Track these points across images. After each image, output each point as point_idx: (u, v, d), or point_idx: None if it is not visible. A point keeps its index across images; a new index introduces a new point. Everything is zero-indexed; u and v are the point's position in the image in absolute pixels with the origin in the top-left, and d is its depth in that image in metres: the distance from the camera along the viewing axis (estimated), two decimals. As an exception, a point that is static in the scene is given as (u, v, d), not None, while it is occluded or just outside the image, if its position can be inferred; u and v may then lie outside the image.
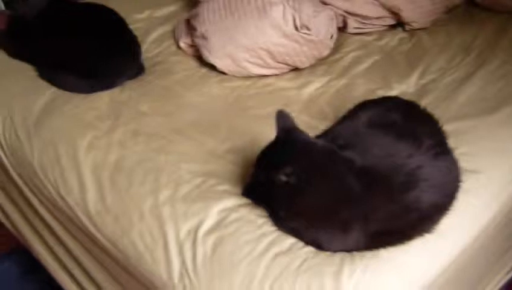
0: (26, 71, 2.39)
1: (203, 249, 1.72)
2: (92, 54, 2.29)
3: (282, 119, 1.73)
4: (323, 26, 2.36)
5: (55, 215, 2.11)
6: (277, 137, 1.73)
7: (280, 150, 1.72)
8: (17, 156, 2.16)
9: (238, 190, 1.87)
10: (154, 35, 2.61)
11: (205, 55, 2.36)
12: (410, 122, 1.85)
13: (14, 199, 2.33)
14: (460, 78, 2.33)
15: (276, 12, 2.28)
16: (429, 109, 1.98)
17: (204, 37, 2.35)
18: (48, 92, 2.29)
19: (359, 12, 2.56)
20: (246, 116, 2.17)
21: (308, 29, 2.30)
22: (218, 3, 2.39)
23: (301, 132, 1.73)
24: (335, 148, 1.71)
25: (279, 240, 1.72)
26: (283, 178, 1.62)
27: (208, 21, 2.37)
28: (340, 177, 1.66)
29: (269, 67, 2.33)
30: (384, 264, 1.66)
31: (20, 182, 2.20)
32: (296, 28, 2.28)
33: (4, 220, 2.49)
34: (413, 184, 1.67)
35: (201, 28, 2.37)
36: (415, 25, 2.61)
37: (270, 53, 2.29)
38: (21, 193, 2.23)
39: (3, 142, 2.21)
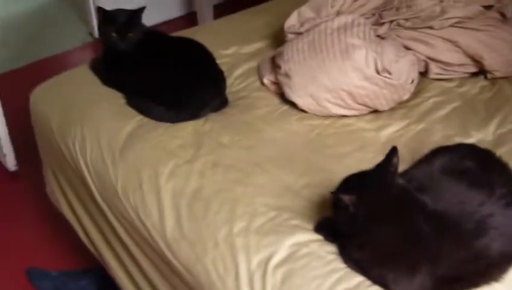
0: (116, 98, 2.50)
1: (273, 281, 1.77)
2: (179, 85, 2.39)
3: (388, 155, 1.76)
4: (404, 70, 2.39)
5: (133, 237, 2.18)
6: (369, 169, 1.79)
7: (359, 179, 1.78)
8: (102, 178, 2.27)
9: (310, 225, 1.92)
10: (239, 70, 2.68)
11: (287, 93, 2.42)
12: (484, 170, 1.87)
13: (95, 217, 2.42)
14: (539, 129, 2.32)
15: (359, 55, 2.33)
16: (505, 159, 1.99)
17: (287, 76, 2.42)
18: (135, 119, 2.39)
19: (441, 58, 2.58)
20: (324, 154, 2.22)
21: (389, 73, 2.34)
22: (302, 44, 2.45)
23: (390, 170, 1.75)
24: (412, 190, 1.74)
25: (348, 277, 1.76)
26: (345, 203, 1.68)
27: (292, 60, 2.43)
28: (411, 218, 1.70)
29: (349, 108, 2.37)
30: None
31: (102, 202, 2.29)
32: (377, 72, 2.32)
33: (83, 238, 2.58)
34: (483, 232, 1.69)
35: (285, 67, 2.44)
36: (497, 74, 2.61)
37: (351, 94, 2.33)
38: (102, 213, 2.32)
39: (89, 164, 2.31)
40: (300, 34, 2.59)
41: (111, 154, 2.28)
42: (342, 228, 1.79)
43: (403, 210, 1.72)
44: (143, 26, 2.53)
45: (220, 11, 4.26)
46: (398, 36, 2.60)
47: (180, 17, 4.83)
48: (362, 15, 2.64)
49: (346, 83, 2.33)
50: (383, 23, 2.63)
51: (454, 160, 1.93)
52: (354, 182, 1.79)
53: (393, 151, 1.78)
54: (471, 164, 1.90)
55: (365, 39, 2.38)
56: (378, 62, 2.33)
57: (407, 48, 2.57)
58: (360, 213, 1.70)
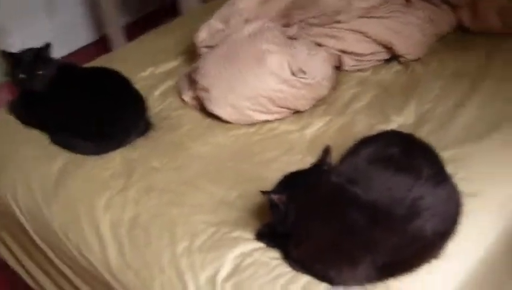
0: (39, 138, 2.48)
1: (223, 295, 1.79)
2: (100, 116, 2.38)
3: (324, 153, 1.84)
4: (318, 68, 2.45)
5: (79, 274, 2.18)
6: (304, 169, 1.86)
7: (293, 179, 1.84)
8: (38, 220, 2.24)
9: (250, 235, 1.95)
10: (158, 91, 2.69)
11: (208, 106, 2.45)
12: (408, 155, 1.93)
13: (39, 262, 2.40)
14: (455, 104, 2.41)
15: (273, 60, 2.38)
16: (427, 138, 2.06)
17: (206, 90, 2.44)
18: (61, 157, 2.37)
19: (353, 50, 2.64)
20: (251, 162, 2.25)
21: (304, 73, 2.39)
22: (217, 57, 2.48)
23: (323, 168, 1.82)
24: (344, 184, 1.79)
25: (294, 279, 1.80)
26: (275, 202, 1.75)
27: (209, 74, 2.46)
28: (345, 212, 1.75)
29: (271, 112, 2.41)
30: (395, 294, 1.72)
31: (42, 244, 2.27)
32: (293, 73, 2.37)
33: (32, 284, 2.55)
34: (416, 215, 1.74)
35: (202, 81, 2.46)
36: (409, 57, 2.69)
37: (271, 99, 2.37)
38: (45, 255, 2.29)
39: (22, 207, 2.29)
40: (212, 47, 2.61)
41: (43, 194, 2.26)
42: (277, 228, 1.83)
43: (335, 205, 1.76)
44: (53, 61, 2.50)
45: (130, 32, 4.26)
46: (308, 35, 2.65)
47: (92, 44, 4.79)
48: (270, 19, 2.68)
49: (264, 88, 2.37)
50: (292, 24, 2.67)
51: (378, 149, 1.98)
52: (287, 182, 1.84)
53: (327, 150, 1.83)
54: (395, 150, 1.94)
55: (277, 43, 2.43)
56: (293, 64, 2.38)
57: (319, 45, 2.63)
58: (291, 211, 1.75)
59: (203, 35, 2.70)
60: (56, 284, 2.36)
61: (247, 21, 2.66)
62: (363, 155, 1.97)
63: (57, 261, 2.25)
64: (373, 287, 1.75)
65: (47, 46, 2.48)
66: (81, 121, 2.39)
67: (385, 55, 2.72)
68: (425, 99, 2.47)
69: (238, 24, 2.65)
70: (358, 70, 2.70)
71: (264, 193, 1.80)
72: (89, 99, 2.40)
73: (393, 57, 2.74)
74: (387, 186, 1.81)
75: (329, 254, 1.76)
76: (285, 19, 2.73)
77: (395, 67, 2.72)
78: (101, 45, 4.62)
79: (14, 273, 2.63)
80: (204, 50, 2.65)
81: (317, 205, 1.76)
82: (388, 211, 1.75)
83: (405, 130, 2.22)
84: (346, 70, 2.69)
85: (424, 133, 2.24)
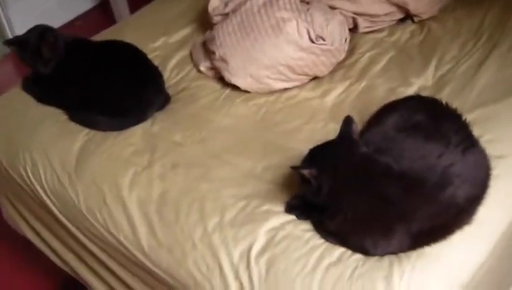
0: (57, 115, 2.45)
1: (258, 270, 1.81)
2: (119, 91, 2.35)
3: (345, 124, 1.82)
4: (336, 33, 2.43)
5: (108, 253, 2.18)
6: (331, 140, 1.84)
7: (322, 151, 1.83)
8: (62, 200, 2.23)
9: (280, 207, 1.95)
10: (173, 62, 2.66)
11: (227, 77, 2.42)
12: (435, 121, 1.94)
13: (64, 239, 2.40)
14: (475, 64, 2.40)
15: (291, 28, 2.34)
16: (449, 100, 2.06)
17: (223, 60, 2.42)
18: (81, 134, 2.35)
19: (367, 11, 2.62)
20: (276, 132, 2.24)
21: (323, 39, 2.36)
22: (232, 26, 2.45)
23: (351, 138, 1.80)
24: (374, 154, 1.79)
25: (329, 251, 1.81)
26: (306, 177, 1.74)
27: (225, 44, 2.43)
28: (378, 182, 1.75)
29: (290, 80, 2.39)
30: (431, 262, 1.75)
31: (68, 223, 2.26)
32: (312, 40, 2.34)
33: (55, 259, 2.56)
34: (448, 182, 1.75)
35: (219, 51, 2.43)
36: (424, 16, 2.67)
37: (290, 67, 2.35)
38: (70, 233, 2.29)
39: (47, 189, 2.27)
40: (226, 15, 2.58)
41: (66, 174, 2.24)
42: (309, 200, 1.83)
43: (368, 176, 1.76)
44: (60, 41, 2.45)
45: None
46: (321, -2, 2.62)
47: (94, 8, 4.73)
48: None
49: (283, 57, 2.35)
50: (304, -13, 2.64)
51: (404, 116, 1.98)
52: (316, 155, 1.83)
53: (349, 120, 1.82)
54: (421, 116, 1.95)
55: (293, 10, 2.40)
56: (311, 31, 2.35)
57: (333, 8, 2.60)
58: (324, 185, 1.74)
59: (215, 3, 2.66)
60: (84, 262, 2.37)
61: (260, -13, 2.60)
62: (389, 123, 1.97)
63: (84, 240, 2.24)
64: (407, 256, 1.75)
65: (49, 30, 2.45)
66: (99, 97, 2.37)
67: (399, 15, 2.69)
68: (443, 60, 2.46)
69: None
70: (372, 31, 2.67)
71: (294, 168, 1.80)
72: (105, 74, 2.38)
73: (407, 16, 2.71)
74: (418, 155, 1.81)
75: (364, 224, 1.77)
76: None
77: (410, 27, 2.70)
78: (103, 10, 4.56)
79: (39, 252, 2.63)
80: (217, 18, 2.62)
81: (349, 176, 1.76)
82: (421, 179, 1.76)
83: (426, 93, 2.25)
84: (360, 33, 2.67)
85: (445, 95, 2.23)
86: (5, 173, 2.44)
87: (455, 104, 2.04)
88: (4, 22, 4.37)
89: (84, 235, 2.24)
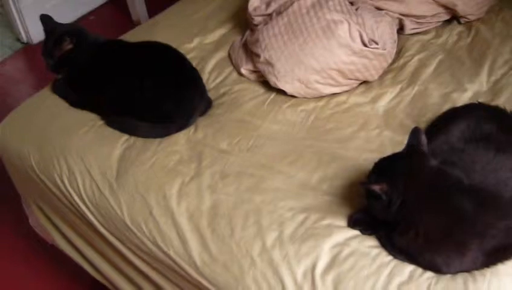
0: (93, 121, 2.34)
1: (324, 289, 1.72)
2: (160, 96, 2.24)
3: (413, 135, 1.74)
4: (387, 36, 2.35)
5: (155, 268, 2.08)
6: (398, 153, 1.76)
7: (389, 164, 1.75)
8: (104, 211, 2.13)
9: (341, 221, 1.87)
10: (211, 63, 2.56)
11: (272, 81, 2.33)
12: (505, 132, 1.87)
13: (101, 249, 2.29)
14: (530, 69, 2.32)
15: (342, 30, 2.25)
16: (508, 107, 2.00)
17: (269, 63, 2.32)
18: (120, 141, 2.24)
19: (415, 12, 2.54)
20: (328, 140, 2.15)
21: (375, 42, 2.28)
22: (278, 28, 2.35)
23: (420, 151, 1.72)
24: (445, 168, 1.70)
25: (398, 269, 1.73)
26: (376, 193, 1.66)
27: (271, 47, 2.33)
28: (450, 197, 1.67)
29: (340, 85, 2.30)
30: (506, 279, 1.68)
31: (109, 235, 2.16)
32: (364, 44, 2.25)
33: (89, 269, 2.45)
34: (522, 196, 1.67)
35: (264, 54, 2.34)
36: (471, 17, 2.60)
37: (341, 72, 2.26)
38: (110, 245, 2.19)
39: (85, 199, 2.16)
40: (268, 15, 2.48)
41: (107, 183, 2.13)
42: (380, 217, 1.75)
43: (439, 190, 1.68)
44: (88, 41, 2.39)
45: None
46: (367, -2, 2.53)
47: (107, 3, 4.61)
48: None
49: (335, 61, 2.26)
50: (348, -13, 2.55)
51: (471, 125, 1.91)
52: (383, 168, 1.75)
53: (416, 131, 1.74)
54: (490, 127, 1.89)
55: (344, 12, 2.31)
56: (363, 34, 2.27)
57: (379, 9, 2.52)
58: (394, 200, 1.66)
59: (255, 3, 2.55)
60: (125, 275, 2.26)
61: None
62: (456, 133, 1.91)
63: (127, 253, 2.14)
64: (481, 274, 1.68)
65: (72, 33, 2.38)
66: (139, 102, 2.25)
67: (445, 16, 2.63)
68: (496, 64, 2.39)
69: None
70: (418, 33, 2.59)
71: (363, 184, 1.72)
72: (145, 78, 2.26)
73: (453, 17, 2.63)
74: (491, 168, 1.75)
75: (437, 241, 1.69)
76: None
77: (457, 28, 2.63)
78: (118, 4, 4.45)
79: (72, 263, 2.52)
80: (259, 19, 2.51)
81: (420, 191, 1.68)
82: (495, 194, 1.69)
83: (481, 99, 2.20)
84: (406, 34, 2.58)
85: (503, 102, 2.17)
86: (38, 180, 2.33)
87: (513, 110, 1.97)
88: (15, 16, 4.24)
89: (127, 247, 2.13)
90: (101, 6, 4.56)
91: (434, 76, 2.36)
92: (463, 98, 2.23)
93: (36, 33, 4.15)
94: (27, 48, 4.24)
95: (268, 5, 2.50)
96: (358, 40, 2.25)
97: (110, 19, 4.19)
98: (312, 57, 2.27)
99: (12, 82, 3.69)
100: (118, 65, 2.34)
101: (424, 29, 2.59)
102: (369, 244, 1.79)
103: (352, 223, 1.85)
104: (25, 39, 4.31)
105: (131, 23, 4.06)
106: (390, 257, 1.76)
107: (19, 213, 2.74)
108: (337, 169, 2.01)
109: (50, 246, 2.64)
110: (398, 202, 1.67)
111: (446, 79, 2.33)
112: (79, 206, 2.20)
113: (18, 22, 4.26)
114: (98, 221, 2.17)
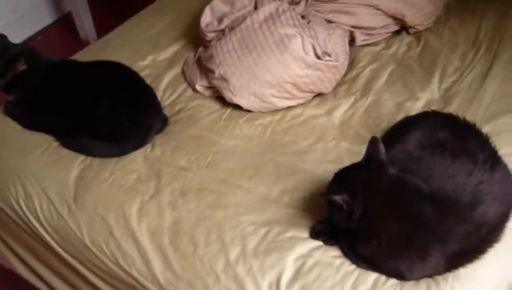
0: (47, 142, 2.30)
1: (290, 301, 1.71)
2: (115, 115, 2.22)
3: (371, 145, 1.75)
4: (339, 48, 2.38)
5: (116, 287, 2.06)
6: (358, 162, 1.78)
7: (349, 174, 1.76)
8: (63, 233, 2.09)
9: (304, 233, 1.87)
10: (165, 81, 2.54)
11: (228, 96, 2.33)
12: (460, 138, 1.90)
13: (63, 274, 2.27)
14: (478, 76, 2.39)
15: (296, 44, 2.26)
16: (460, 114, 2.03)
17: (224, 79, 2.32)
18: (77, 161, 2.21)
19: (364, 24, 2.57)
20: (286, 153, 2.16)
21: (328, 55, 2.30)
22: (232, 44, 2.36)
23: (379, 160, 1.73)
24: (404, 175, 1.73)
25: (362, 278, 1.74)
26: (337, 203, 1.68)
27: (226, 62, 2.33)
28: (410, 204, 1.69)
29: (295, 98, 2.32)
30: (467, 283, 1.72)
31: (70, 258, 2.13)
32: (318, 57, 2.28)
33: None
34: (479, 200, 1.72)
35: (219, 70, 2.34)
36: (420, 28, 2.65)
37: (296, 85, 2.27)
38: (71, 268, 2.16)
39: (43, 222, 2.13)
40: (221, 31, 2.49)
41: (65, 205, 2.10)
42: (342, 226, 1.76)
43: (399, 198, 1.70)
44: (40, 63, 2.36)
45: (96, 8, 4.08)
46: (318, 12, 2.56)
47: (54, 23, 4.56)
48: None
49: (289, 74, 2.27)
50: (299, 2, 2.57)
51: (426, 133, 1.94)
52: (343, 179, 1.77)
53: (375, 141, 1.76)
54: (445, 134, 1.91)
55: (297, 26, 2.33)
56: (317, 47, 2.29)
57: (330, 22, 2.54)
58: (355, 209, 1.68)
59: (207, 19, 2.55)
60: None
61: (255, 2, 2.51)
62: (412, 141, 1.93)
63: (89, 275, 2.12)
64: (444, 279, 1.71)
65: (24, 53, 2.35)
66: (94, 122, 2.23)
67: (395, 27, 2.66)
68: (446, 72, 2.44)
69: (245, 6, 2.51)
70: (369, 44, 2.62)
71: (324, 195, 1.74)
72: (99, 97, 2.23)
73: (403, 28, 2.68)
74: (448, 174, 1.77)
75: (399, 248, 1.71)
76: (292, -4, 2.61)
77: (406, 38, 2.67)
78: (66, 23, 4.40)
79: (32, 288, 2.49)
80: (211, 35, 2.52)
81: (381, 200, 1.70)
82: (453, 199, 1.72)
83: (434, 107, 2.23)
84: (357, 46, 2.61)
85: (454, 109, 2.22)
86: (-7, 205, 2.29)
87: (466, 118, 2.01)
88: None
89: (87, 268, 2.11)
90: (49, 26, 4.49)
91: (387, 86, 2.39)
92: (416, 107, 2.27)
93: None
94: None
95: (220, 20, 2.51)
96: (312, 53, 2.27)
97: (58, 39, 4.15)
98: (267, 71, 2.27)
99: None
100: (71, 85, 2.31)
101: (374, 40, 2.62)
102: (333, 255, 1.81)
103: (314, 234, 1.86)
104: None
105: (79, 42, 4.02)
106: (353, 266, 1.77)
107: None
108: (297, 181, 2.02)
109: (8, 272, 2.58)
110: (359, 211, 1.68)
111: (398, 89, 2.37)
112: (37, 229, 2.16)
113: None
114: (57, 243, 2.14)
